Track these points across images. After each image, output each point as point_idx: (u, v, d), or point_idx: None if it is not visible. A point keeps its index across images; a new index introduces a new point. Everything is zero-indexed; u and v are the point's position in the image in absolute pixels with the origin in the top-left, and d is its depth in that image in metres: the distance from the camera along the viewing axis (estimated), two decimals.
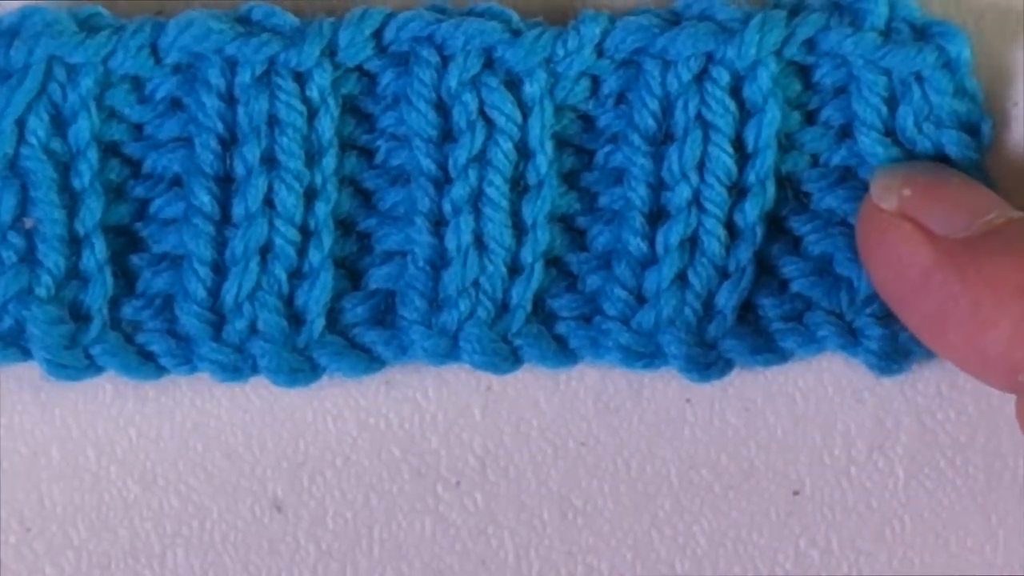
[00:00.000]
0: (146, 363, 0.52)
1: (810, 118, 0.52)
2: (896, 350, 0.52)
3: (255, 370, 0.52)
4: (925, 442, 0.54)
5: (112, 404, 0.53)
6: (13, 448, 0.53)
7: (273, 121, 0.51)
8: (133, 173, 0.52)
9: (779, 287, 0.53)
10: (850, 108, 0.52)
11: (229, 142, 0.51)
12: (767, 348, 0.52)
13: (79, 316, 0.51)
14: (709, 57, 0.51)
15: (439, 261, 0.51)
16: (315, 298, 0.51)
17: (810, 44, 0.51)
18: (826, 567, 0.54)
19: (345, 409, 0.53)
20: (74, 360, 0.51)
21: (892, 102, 0.51)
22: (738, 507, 0.54)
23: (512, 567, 0.54)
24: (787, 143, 0.52)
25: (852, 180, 0.52)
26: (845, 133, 0.52)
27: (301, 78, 0.51)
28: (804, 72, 0.52)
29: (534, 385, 0.53)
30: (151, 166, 0.52)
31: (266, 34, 0.50)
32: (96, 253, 0.51)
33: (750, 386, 0.54)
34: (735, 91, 0.51)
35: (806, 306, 0.52)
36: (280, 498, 0.53)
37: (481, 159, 0.51)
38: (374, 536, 0.53)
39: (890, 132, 0.52)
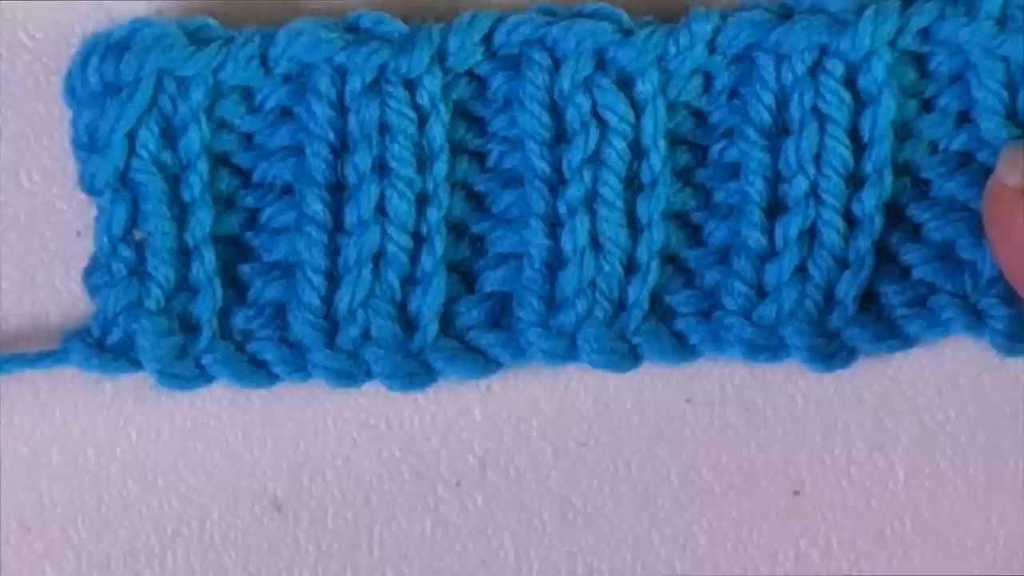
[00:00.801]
0: (258, 371, 0.52)
1: (927, 105, 0.52)
2: (1022, 330, 0.52)
3: (369, 376, 0.52)
4: (925, 442, 0.54)
5: (112, 404, 0.53)
6: (13, 448, 0.52)
7: (384, 128, 0.51)
8: (243, 183, 0.52)
9: (900, 274, 0.53)
10: (968, 94, 0.52)
11: (340, 150, 0.51)
12: (891, 335, 0.52)
13: (189, 327, 0.51)
14: (823, 49, 0.51)
15: (555, 262, 0.52)
16: (428, 303, 0.51)
17: (925, 33, 0.51)
18: (826, 567, 0.54)
19: (345, 409, 0.53)
20: (185, 370, 0.51)
21: (1012, 87, 0.51)
22: (738, 507, 0.54)
23: (512, 567, 0.54)
24: (904, 132, 0.52)
25: (972, 165, 0.52)
26: (963, 119, 0.52)
27: (411, 84, 0.51)
28: (919, 60, 0.52)
29: (534, 385, 0.53)
30: (261, 175, 0.52)
31: (375, 42, 0.50)
32: (206, 264, 0.51)
33: (750, 386, 0.54)
34: (849, 82, 0.51)
35: (929, 291, 0.52)
36: (280, 498, 0.53)
37: (595, 159, 0.51)
38: (374, 536, 0.53)
39: (1011, 115, 0.52)
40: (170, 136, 0.50)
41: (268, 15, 0.51)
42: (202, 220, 0.51)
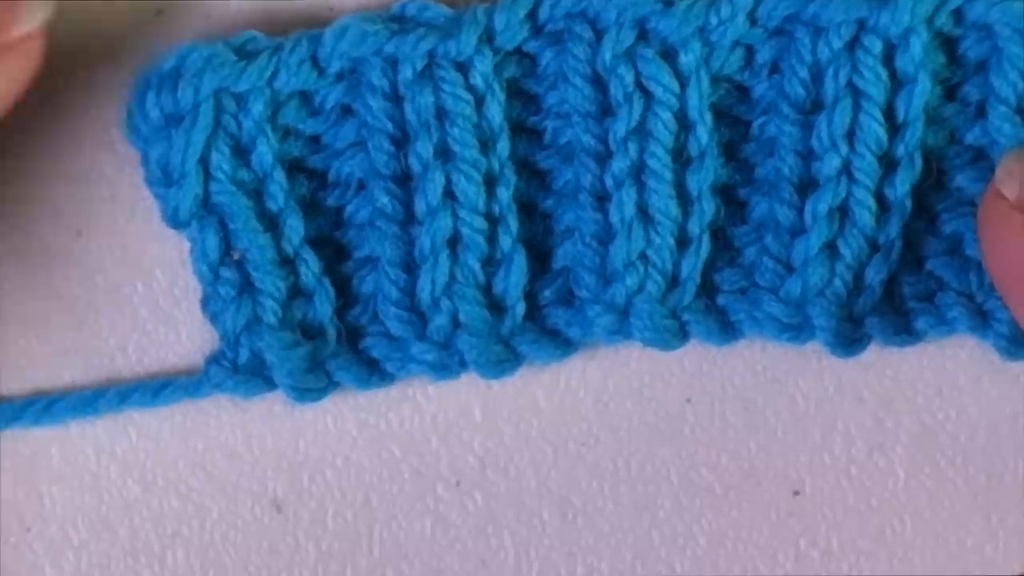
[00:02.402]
0: (375, 372, 0.52)
1: (950, 94, 0.52)
2: None
3: (463, 366, 0.52)
4: (925, 442, 0.54)
5: None
6: (13, 448, 0.52)
7: (441, 113, 0.50)
8: (321, 184, 0.52)
9: (917, 264, 0.52)
10: (988, 84, 0.51)
11: (402, 141, 0.51)
12: (904, 329, 0.52)
13: (310, 335, 0.51)
14: (861, 25, 0.51)
15: (605, 236, 0.51)
16: (513, 283, 0.51)
17: (958, 15, 0.51)
18: (826, 567, 0.54)
19: (345, 409, 0.53)
20: (316, 382, 0.51)
21: None
22: (738, 507, 0.54)
23: (512, 567, 0.54)
24: (932, 116, 0.52)
25: (984, 161, 0.52)
26: (981, 111, 0.52)
27: (463, 67, 0.50)
28: (948, 46, 0.52)
29: (534, 385, 0.53)
30: (335, 174, 0.52)
31: (422, 28, 0.50)
32: (311, 267, 0.51)
33: (750, 386, 0.54)
34: (886, 61, 0.51)
35: (938, 286, 0.52)
36: (280, 498, 0.53)
37: (641, 131, 0.51)
38: (374, 536, 0.53)
39: (1021, 111, 0.51)
40: (241, 153, 0.50)
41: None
42: (294, 226, 0.51)
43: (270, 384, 0.51)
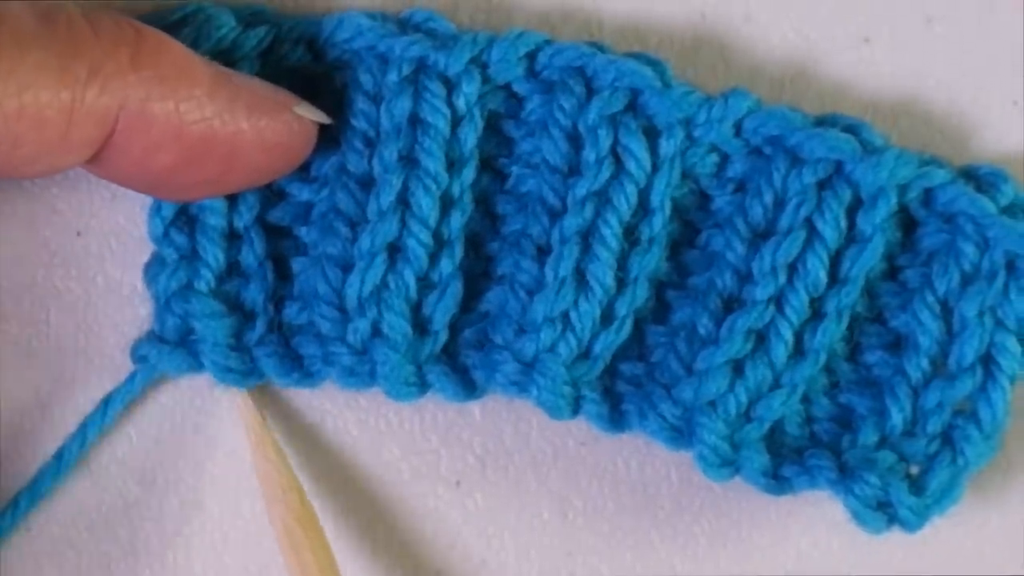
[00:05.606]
0: (298, 369, 0.52)
1: (892, 274, 0.51)
2: (881, 504, 0.51)
3: (372, 378, 0.51)
4: None
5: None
6: (14, 448, 0.53)
7: (415, 120, 0.50)
8: (300, 177, 0.51)
9: (805, 416, 0.52)
10: (928, 276, 0.51)
11: (375, 142, 0.50)
12: (773, 474, 0.51)
13: (244, 316, 0.51)
14: (838, 168, 0.50)
15: (535, 288, 0.51)
16: (443, 309, 0.51)
17: (928, 198, 0.50)
18: (826, 567, 0.54)
19: (345, 409, 0.53)
20: (240, 364, 0.51)
21: (967, 280, 0.50)
22: (738, 507, 0.54)
23: (512, 567, 0.54)
24: (868, 286, 0.51)
25: (900, 349, 0.51)
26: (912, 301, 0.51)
27: (449, 83, 0.50)
28: (909, 228, 0.51)
29: None
30: (316, 170, 0.51)
31: (418, 34, 0.50)
32: (256, 247, 0.51)
33: None
34: (850, 211, 0.50)
35: (813, 443, 0.52)
36: None
37: (601, 196, 0.50)
38: (375, 536, 0.53)
39: (948, 311, 0.50)
40: None
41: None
42: (250, 204, 0.51)
43: (196, 360, 0.51)
